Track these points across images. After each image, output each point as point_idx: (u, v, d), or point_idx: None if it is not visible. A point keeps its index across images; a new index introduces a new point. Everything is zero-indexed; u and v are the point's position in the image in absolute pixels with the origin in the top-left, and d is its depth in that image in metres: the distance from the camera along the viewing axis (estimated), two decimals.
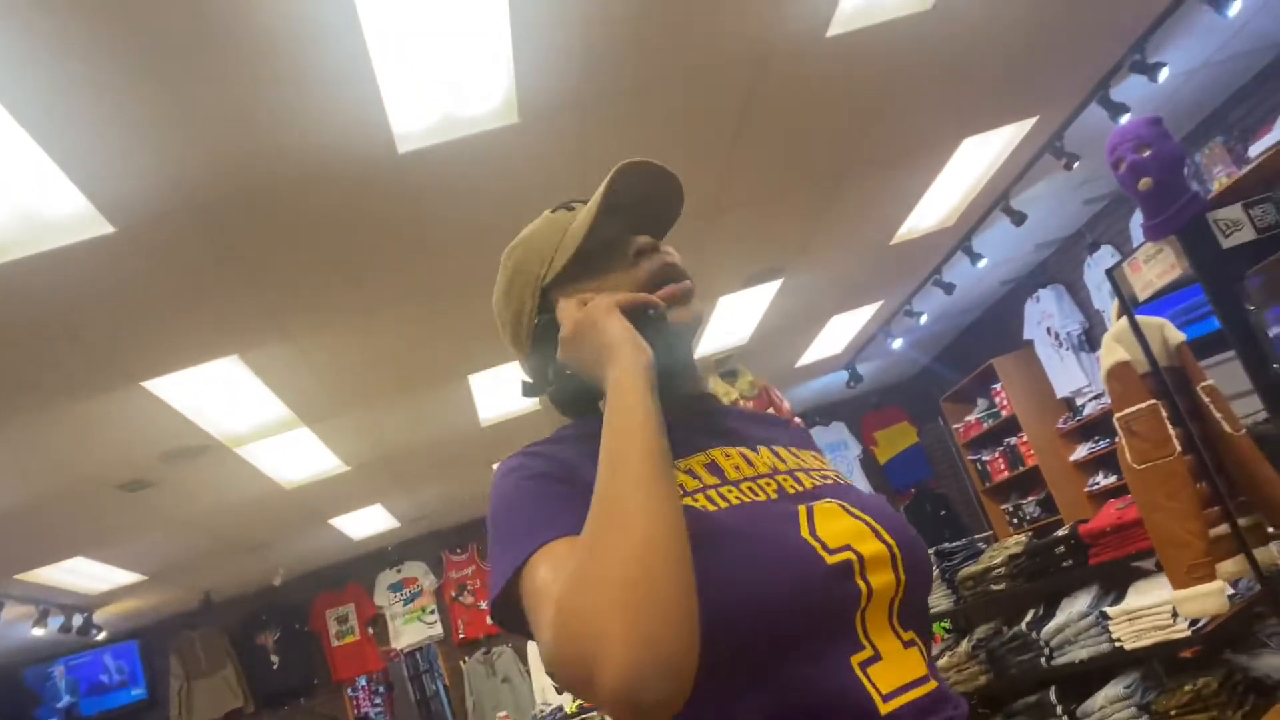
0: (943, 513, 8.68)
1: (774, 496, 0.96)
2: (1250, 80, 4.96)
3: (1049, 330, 6.85)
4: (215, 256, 3.35)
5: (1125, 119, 4.22)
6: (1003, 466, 7.60)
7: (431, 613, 8.34)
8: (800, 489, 0.98)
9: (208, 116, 2.69)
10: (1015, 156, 4.87)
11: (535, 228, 1.14)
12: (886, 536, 0.92)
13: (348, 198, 3.28)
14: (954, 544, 4.66)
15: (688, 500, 0.92)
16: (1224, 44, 4.45)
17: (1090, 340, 6.59)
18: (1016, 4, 3.50)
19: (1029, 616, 3.99)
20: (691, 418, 1.04)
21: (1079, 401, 6.89)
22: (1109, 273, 3.04)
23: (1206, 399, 2.91)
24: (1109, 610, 3.55)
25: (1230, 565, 2.87)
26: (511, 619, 0.92)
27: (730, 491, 0.95)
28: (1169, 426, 2.91)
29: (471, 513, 8.35)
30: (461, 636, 8.27)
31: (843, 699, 0.85)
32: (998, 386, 7.36)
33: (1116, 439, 3.04)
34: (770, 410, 6.13)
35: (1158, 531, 2.87)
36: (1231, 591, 3.19)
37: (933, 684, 0.90)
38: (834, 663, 0.86)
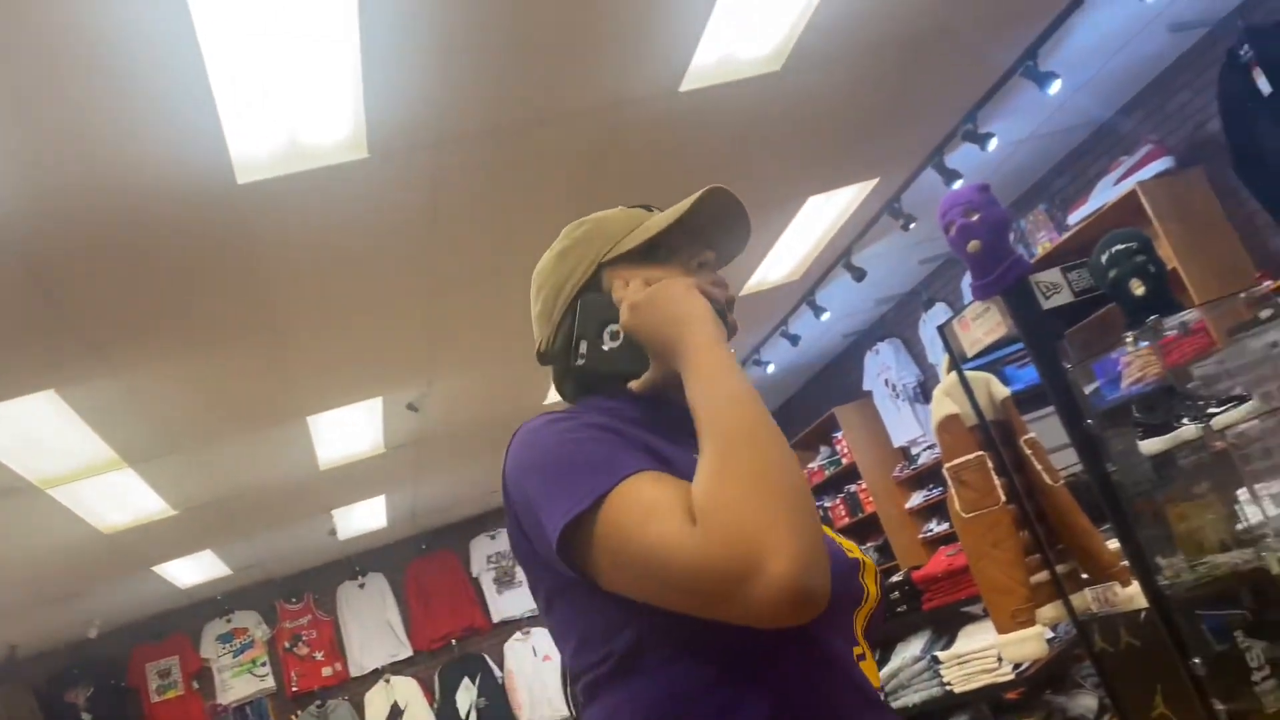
0: None
1: None
2: (1070, 154, 5.33)
3: (887, 381, 7.13)
4: (32, 284, 3.12)
5: (958, 184, 4.45)
6: (843, 512, 7.82)
7: (263, 664, 7.93)
8: None
9: (28, 134, 2.51)
10: (857, 215, 5.07)
11: (609, 214, 1.17)
12: (860, 555, 1.00)
13: (182, 227, 3.12)
14: None
15: None
16: (1048, 119, 4.77)
17: (925, 392, 6.88)
18: (860, 72, 3.66)
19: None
20: (680, 415, 1.09)
21: (914, 451, 7.18)
22: (940, 329, 3.18)
23: (1028, 451, 3.07)
24: (940, 654, 3.67)
25: (1049, 610, 3.01)
26: (578, 551, 0.88)
27: None
28: (995, 477, 3.05)
29: (309, 560, 8.01)
30: (294, 689, 7.88)
31: (855, 682, 0.92)
32: (839, 435, 7.59)
33: (947, 488, 3.16)
34: None
35: (984, 578, 2.98)
36: (1050, 635, 3.35)
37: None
38: (844, 650, 0.93)
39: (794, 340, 6.45)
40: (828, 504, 8.03)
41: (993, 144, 4.36)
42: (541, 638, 8.26)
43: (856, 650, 0.95)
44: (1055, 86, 3.96)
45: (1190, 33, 4.39)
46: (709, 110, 3.54)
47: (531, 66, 2.99)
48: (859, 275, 5.47)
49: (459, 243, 3.87)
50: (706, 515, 0.80)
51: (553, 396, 6.13)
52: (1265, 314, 3.12)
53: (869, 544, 7.61)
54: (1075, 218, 4.89)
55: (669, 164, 3.87)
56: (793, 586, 0.76)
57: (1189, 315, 2.87)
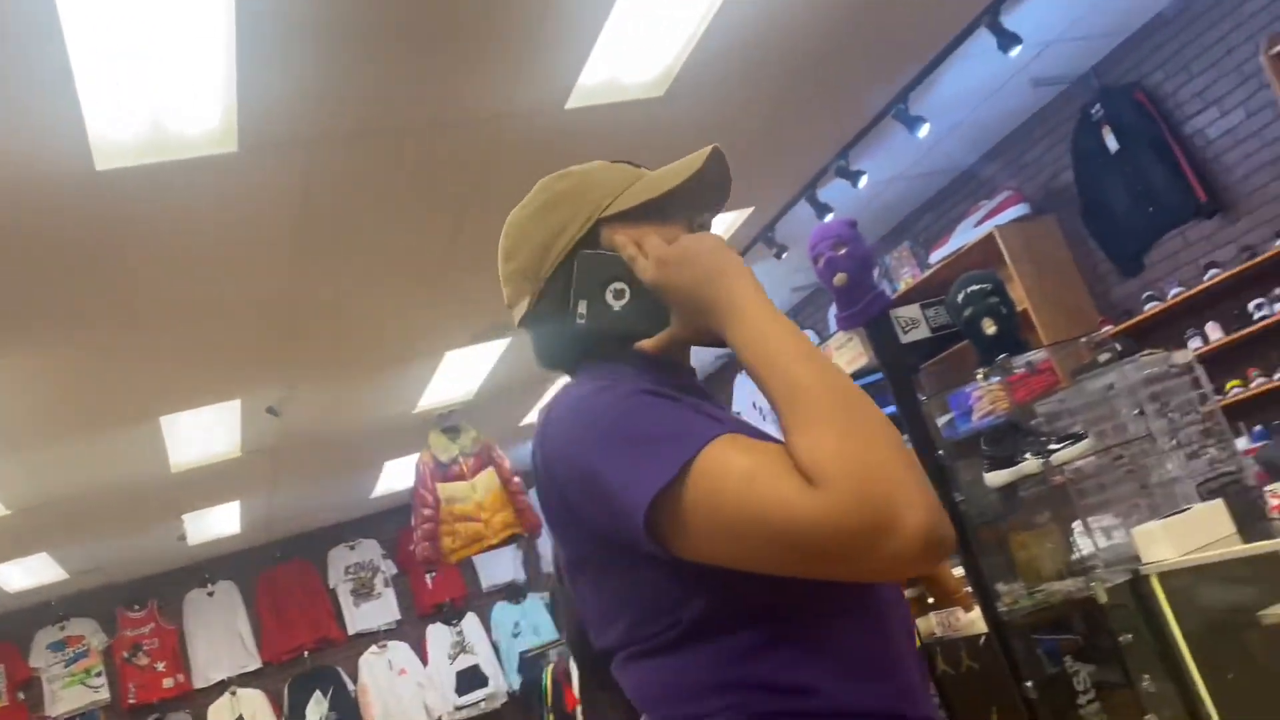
0: None
1: None
2: (935, 195, 5.58)
3: (755, 404, 7.26)
4: None
5: (829, 218, 4.60)
6: None
7: (98, 675, 7.50)
8: None
9: None
10: (732, 241, 5.18)
11: (593, 167, 1.09)
12: None
13: (33, 211, 2.95)
14: None
15: None
16: (916, 161, 4.98)
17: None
18: (741, 103, 3.75)
19: None
20: (690, 377, 1.07)
21: None
22: None
23: None
24: None
25: None
26: (664, 523, 0.83)
27: None
28: None
29: (155, 565, 7.63)
30: (132, 701, 7.48)
31: (906, 625, 0.94)
32: None
33: None
34: (491, 469, 6.07)
35: None
36: None
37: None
38: (894, 593, 0.96)
39: None
40: None
41: (863, 181, 4.52)
42: (399, 651, 8.09)
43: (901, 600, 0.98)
44: (924, 130, 4.14)
45: (1050, 88, 4.66)
46: (593, 130, 3.56)
47: (415, 71, 2.96)
48: None
49: (329, 246, 3.78)
50: (832, 475, 0.77)
51: (425, 404, 6.04)
52: (1104, 358, 3.32)
53: None
54: (937, 256, 5.11)
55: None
56: (931, 537, 0.77)
57: (1036, 355, 3.03)
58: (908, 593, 3.14)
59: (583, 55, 3.13)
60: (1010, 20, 3.62)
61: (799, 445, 0.80)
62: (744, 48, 3.38)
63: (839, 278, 3.02)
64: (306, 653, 8.01)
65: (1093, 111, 4.51)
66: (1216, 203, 4.25)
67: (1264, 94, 3.86)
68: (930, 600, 3.21)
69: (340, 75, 2.85)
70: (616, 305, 0.96)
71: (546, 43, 3.01)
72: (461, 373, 5.76)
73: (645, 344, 0.98)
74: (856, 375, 3.34)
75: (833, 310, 5.83)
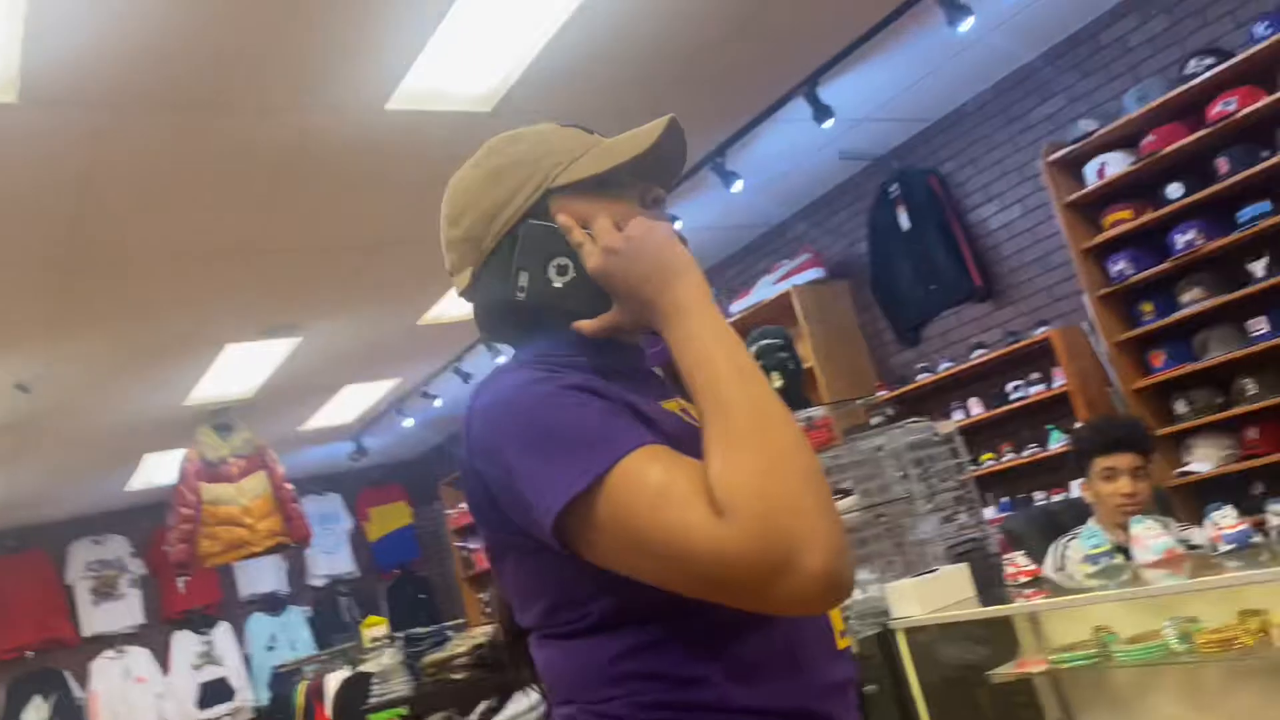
0: (422, 596, 8.70)
1: None
2: (742, 249, 5.79)
3: None
4: None
5: None
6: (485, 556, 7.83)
7: None
8: None
9: None
10: None
11: (544, 129, 1.03)
12: None
13: None
14: (425, 630, 4.66)
15: None
16: (728, 214, 5.15)
17: None
18: None
19: (481, 708, 4.07)
20: (635, 361, 1.02)
21: None
22: None
23: None
24: None
25: None
26: (573, 533, 0.82)
27: None
28: None
29: None
30: None
31: (823, 631, 0.92)
32: None
33: None
34: (263, 472, 5.78)
35: None
36: None
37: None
38: None
39: (466, 377, 6.43)
40: (472, 546, 8.02)
41: (677, 225, 4.62)
42: (138, 657, 7.51)
43: None
44: (737, 186, 4.29)
45: (856, 162, 4.94)
46: (413, 135, 3.49)
47: (226, 46, 2.80)
48: None
49: (110, 220, 3.52)
50: (738, 507, 0.76)
51: (198, 398, 5.69)
52: (876, 421, 3.52)
53: None
54: (737, 307, 5.29)
55: (362, 180, 3.76)
56: (829, 581, 0.75)
57: (816, 412, 3.18)
58: None
59: (411, 57, 3.07)
60: (826, 94, 3.83)
61: (713, 468, 0.79)
62: (575, 78, 3.40)
63: None
64: (30, 653, 7.31)
65: (890, 189, 4.81)
66: (989, 288, 4.62)
67: (1040, 195, 4.24)
68: None
69: (141, 39, 2.66)
70: (558, 281, 0.94)
71: (374, 37, 2.93)
72: (242, 368, 5.46)
73: (584, 326, 0.95)
74: None
75: (498, 359, 5.92)
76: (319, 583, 8.43)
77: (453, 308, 5.50)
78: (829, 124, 3.90)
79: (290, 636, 7.97)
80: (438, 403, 6.95)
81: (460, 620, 6.99)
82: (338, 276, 4.67)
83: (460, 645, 4.23)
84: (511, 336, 1.03)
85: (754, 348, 3.01)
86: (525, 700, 4.00)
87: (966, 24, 3.40)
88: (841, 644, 0.95)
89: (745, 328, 4.52)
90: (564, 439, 0.84)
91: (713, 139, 4.16)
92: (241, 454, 5.61)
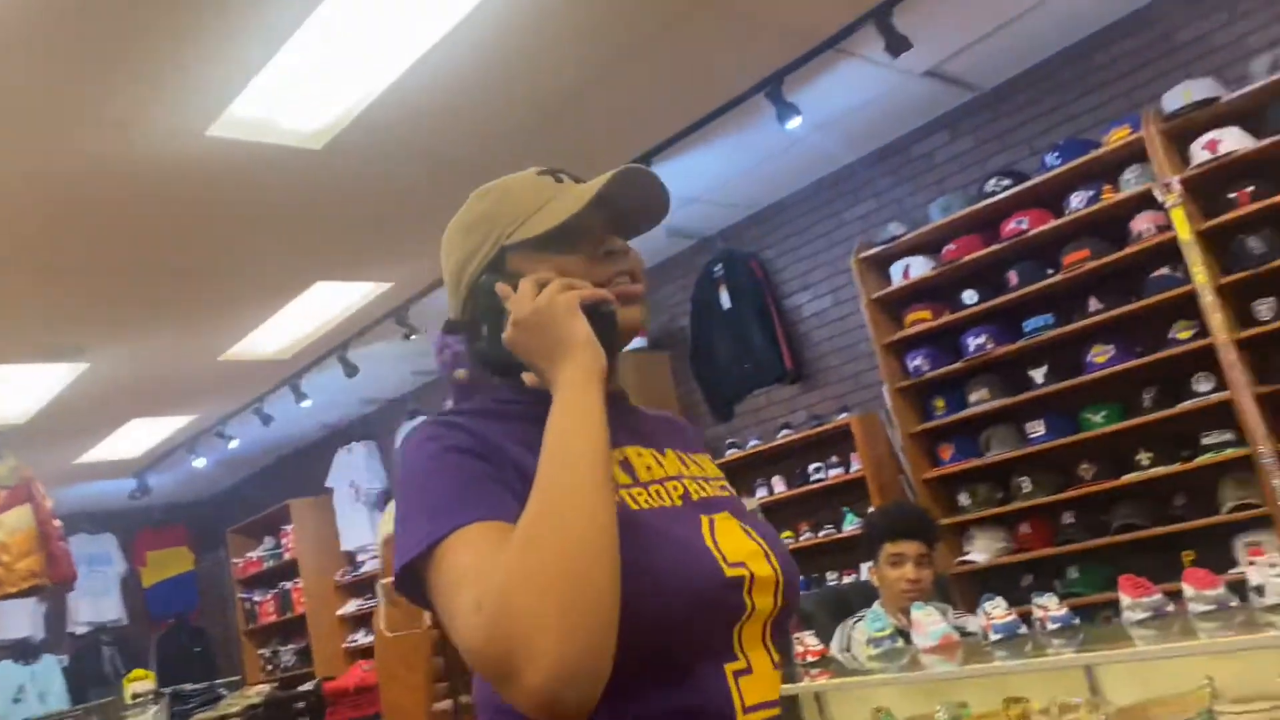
0: (196, 649, 8.12)
1: (679, 502, 0.97)
2: None
3: (352, 483, 7.02)
4: None
5: None
6: (272, 610, 7.42)
7: None
8: (703, 495, 1.00)
9: None
10: (363, 313, 5.04)
11: (517, 180, 1.07)
12: (774, 562, 0.96)
13: None
14: (195, 686, 4.35)
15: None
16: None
17: (386, 501, 6.87)
18: (396, 180, 3.70)
19: None
20: (611, 415, 0.95)
21: (360, 557, 7.07)
22: None
23: None
24: None
25: None
26: (414, 591, 0.88)
27: (641, 494, 0.95)
28: None
29: None
30: None
31: (712, 701, 0.90)
32: (288, 528, 7.27)
33: (377, 606, 3.13)
34: (28, 506, 5.29)
35: (388, 700, 2.97)
36: None
37: (779, 709, 0.95)
38: (706, 668, 0.90)
39: (266, 420, 6.14)
40: (257, 599, 7.58)
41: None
42: None
43: (738, 665, 0.92)
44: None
45: (683, 240, 5.08)
46: (233, 164, 3.34)
47: (38, 48, 2.62)
48: (351, 371, 5.40)
49: None
50: (486, 601, 0.77)
51: None
52: None
53: (291, 645, 7.27)
54: None
55: (173, 205, 3.57)
56: (542, 698, 0.74)
57: None
58: (464, 700, 3.11)
59: (241, 84, 2.95)
60: (661, 170, 3.94)
61: (503, 556, 0.81)
62: (411, 127, 3.36)
63: (460, 373, 3.02)
64: None
65: (715, 269, 4.97)
66: (799, 371, 4.81)
67: (850, 288, 4.47)
68: None
69: None
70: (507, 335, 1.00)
71: (203, 58, 2.80)
72: (16, 390, 5.03)
73: (526, 377, 1.00)
74: None
75: (448, 402, 5.82)
76: (81, 630, 7.74)
77: (258, 345, 5.26)
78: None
79: (41, 688, 7.24)
80: (233, 444, 6.60)
81: (236, 677, 6.57)
82: (135, 301, 4.39)
83: (233, 705, 3.98)
84: (493, 376, 1.08)
85: None
86: None
87: (795, 122, 3.59)
88: (743, 719, 0.92)
89: None
90: (422, 502, 0.89)
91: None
92: (4, 484, 5.12)
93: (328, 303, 4.86)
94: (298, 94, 3.10)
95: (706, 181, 4.42)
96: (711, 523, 0.95)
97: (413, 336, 5.05)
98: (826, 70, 3.61)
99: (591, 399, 0.89)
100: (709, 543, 0.93)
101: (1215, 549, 3.23)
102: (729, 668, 0.92)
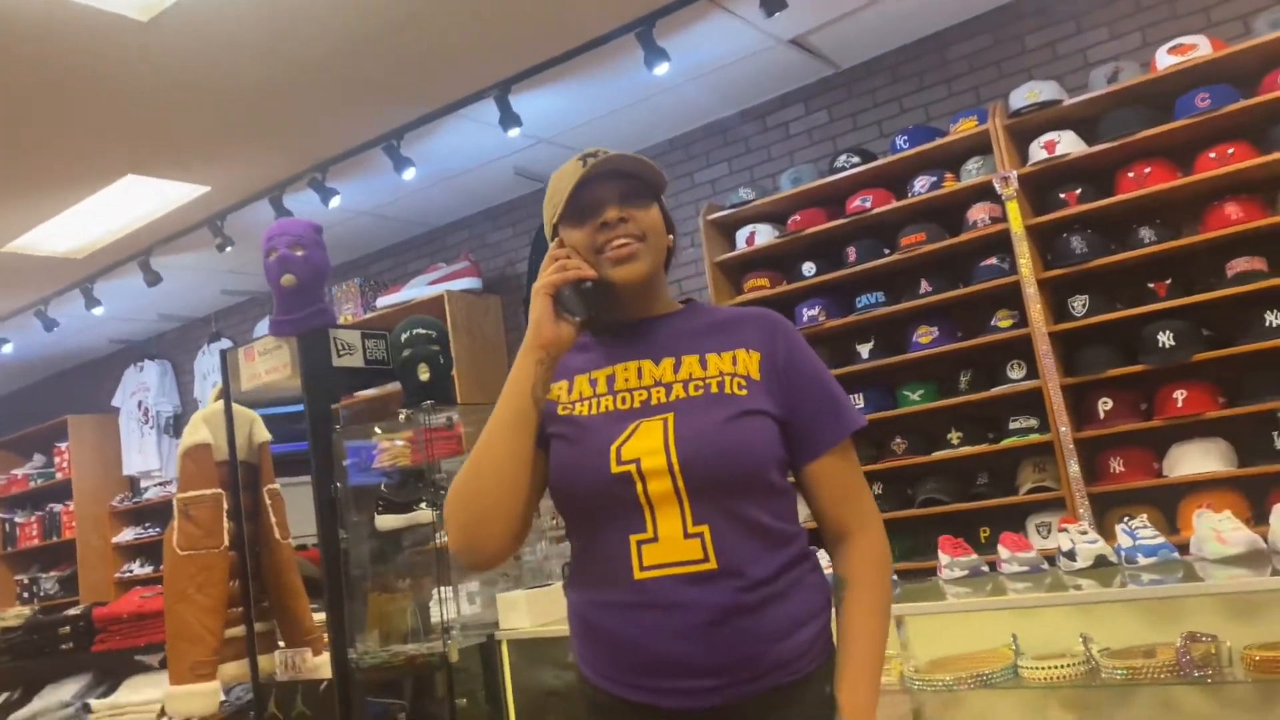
0: None
1: (635, 406, 1.26)
2: (400, 243, 5.57)
3: (141, 404, 6.51)
4: None
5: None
6: (35, 533, 6.80)
7: None
8: (662, 401, 1.25)
9: None
10: (174, 216, 4.64)
11: (560, 171, 1.32)
12: (673, 456, 1.20)
13: None
14: None
15: (566, 410, 1.29)
16: (392, 203, 4.93)
17: (178, 426, 6.40)
18: (227, 71, 3.39)
19: (1, 699, 3.47)
20: (629, 336, 1.33)
21: (144, 484, 6.59)
22: (224, 353, 2.98)
23: (269, 500, 2.95)
24: (94, 703, 3.26)
25: (232, 668, 2.86)
26: None
27: (605, 401, 1.28)
28: (225, 519, 2.87)
29: None
30: None
31: (613, 560, 1.21)
32: (63, 445, 6.67)
33: (170, 520, 2.88)
34: None
35: (176, 622, 2.74)
36: (224, 698, 3.17)
37: (710, 565, 1.18)
38: (616, 535, 1.21)
39: (50, 325, 5.58)
40: (19, 519, 6.93)
41: (335, 202, 4.36)
42: None
43: (642, 535, 1.19)
44: (409, 174, 4.12)
45: (531, 182, 4.93)
46: (47, 24, 2.97)
47: None
48: (153, 280, 4.97)
49: None
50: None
51: None
52: None
53: (55, 572, 6.70)
54: (384, 302, 5.06)
55: None
56: (457, 556, 1.27)
57: (456, 413, 3.07)
58: (259, 627, 2.91)
59: None
60: (517, 102, 3.79)
61: None
62: (249, 15, 3.08)
63: (287, 278, 2.82)
64: None
65: None
66: None
67: (694, 250, 4.46)
68: (280, 640, 3.01)
69: None
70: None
71: None
72: None
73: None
74: (277, 402, 3.12)
75: (264, 324, 5.50)
76: None
77: (49, 240, 4.76)
78: (515, 133, 3.86)
79: None
80: (7, 348, 5.99)
81: None
82: None
83: None
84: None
85: (406, 334, 2.85)
86: (55, 695, 3.46)
87: (662, 68, 3.52)
88: (639, 575, 1.20)
89: (390, 323, 4.32)
90: None
91: (394, 118, 3.96)
92: None
93: (136, 200, 4.43)
94: None
95: (558, 122, 4.29)
96: (637, 427, 1.23)
97: (227, 249, 4.69)
98: (699, 20, 3.56)
99: (520, 368, 1.25)
100: (614, 446, 1.22)
101: (1010, 527, 3.40)
102: (633, 537, 1.20)
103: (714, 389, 1.25)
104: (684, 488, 1.19)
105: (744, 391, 1.25)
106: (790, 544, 1.25)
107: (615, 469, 1.20)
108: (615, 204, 1.27)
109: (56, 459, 6.76)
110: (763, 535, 1.21)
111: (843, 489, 1.30)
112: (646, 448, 1.21)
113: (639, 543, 1.20)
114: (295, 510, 3.10)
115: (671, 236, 1.36)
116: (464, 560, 1.25)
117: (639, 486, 1.20)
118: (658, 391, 1.27)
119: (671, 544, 1.18)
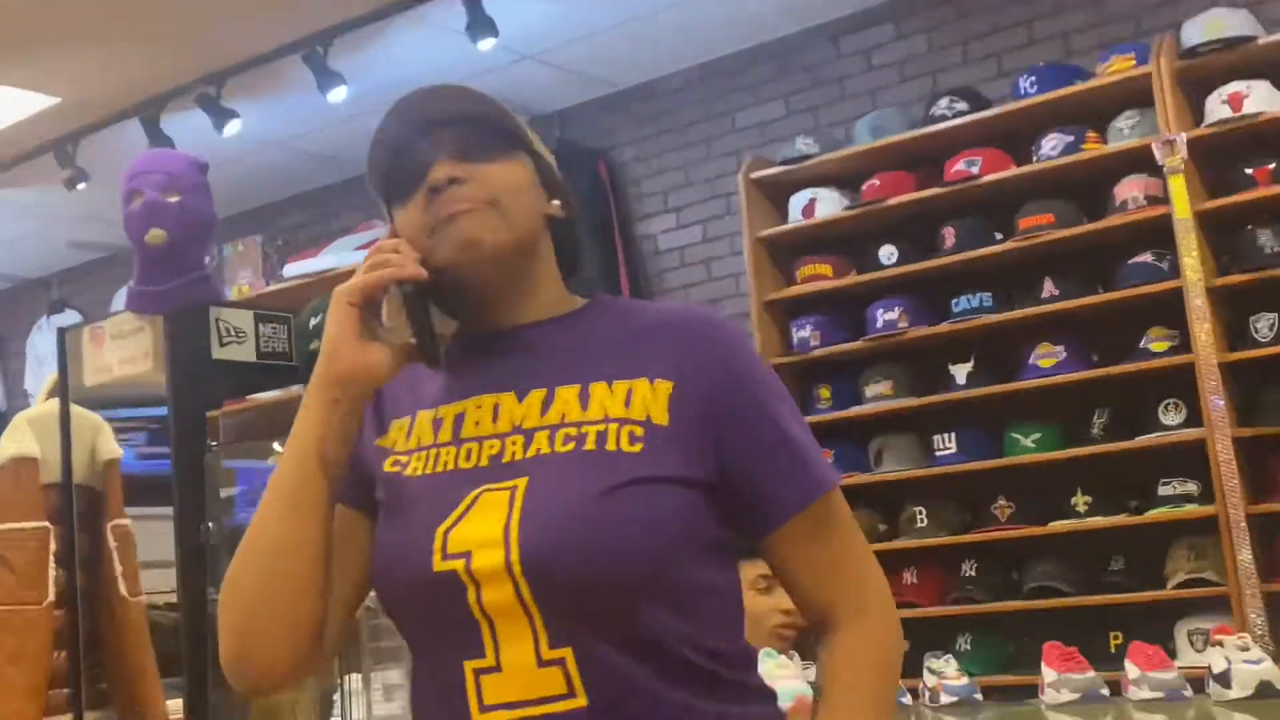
0: None
1: (480, 465, 1.17)
2: (319, 188, 5.58)
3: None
4: None
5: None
6: None
7: None
8: (515, 458, 1.16)
9: None
10: (9, 136, 4.68)
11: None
12: (513, 553, 1.10)
13: None
14: None
15: (394, 466, 1.22)
16: (314, 132, 4.94)
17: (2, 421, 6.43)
18: None
19: None
20: (498, 352, 1.25)
21: None
22: (63, 331, 2.98)
23: (114, 542, 2.95)
24: None
25: None
26: None
27: (445, 454, 1.20)
28: (52, 565, 2.87)
29: None
30: None
31: (445, 697, 1.15)
32: None
33: None
34: None
35: None
36: None
37: (577, 702, 1.09)
38: (447, 662, 1.14)
39: None
40: None
41: (233, 128, 4.38)
42: None
43: (482, 663, 1.12)
44: (338, 94, 4.14)
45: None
46: None
47: None
48: None
49: None
50: None
51: None
52: None
53: None
54: (294, 270, 5.08)
55: None
56: (226, 672, 1.19)
57: None
58: (91, 717, 2.92)
59: None
60: (492, 2, 3.81)
61: None
62: None
63: (155, 233, 2.82)
64: None
65: None
66: None
67: (730, 220, 4.47)
68: None
69: None
70: None
71: None
72: None
73: None
74: (129, 395, 3.13)
75: (124, 293, 5.54)
76: None
77: None
78: (488, 44, 3.87)
79: None
80: None
81: None
82: None
83: None
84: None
85: (318, 318, 2.85)
86: None
87: None
88: (480, 718, 1.12)
89: (300, 299, 4.33)
90: None
91: (320, 16, 3.98)
92: None
93: None
94: None
95: (549, 33, 4.30)
96: (476, 498, 1.14)
97: (79, 185, 4.73)
98: None
99: (306, 413, 1.20)
100: (443, 528, 1.13)
101: (1153, 634, 3.37)
102: (468, 664, 1.13)
103: (589, 444, 1.14)
104: (530, 597, 1.09)
105: (636, 447, 1.13)
106: (716, 668, 1.15)
107: (438, 566, 1.12)
108: (446, 159, 1.20)
109: None
110: (662, 657, 1.12)
111: (824, 563, 1.20)
112: (480, 536, 1.11)
113: (476, 672, 1.12)
114: (157, 554, 3.10)
115: (558, 202, 1.27)
116: (234, 678, 1.18)
117: (470, 593, 1.11)
118: (514, 442, 1.17)
119: (520, 675, 1.11)
